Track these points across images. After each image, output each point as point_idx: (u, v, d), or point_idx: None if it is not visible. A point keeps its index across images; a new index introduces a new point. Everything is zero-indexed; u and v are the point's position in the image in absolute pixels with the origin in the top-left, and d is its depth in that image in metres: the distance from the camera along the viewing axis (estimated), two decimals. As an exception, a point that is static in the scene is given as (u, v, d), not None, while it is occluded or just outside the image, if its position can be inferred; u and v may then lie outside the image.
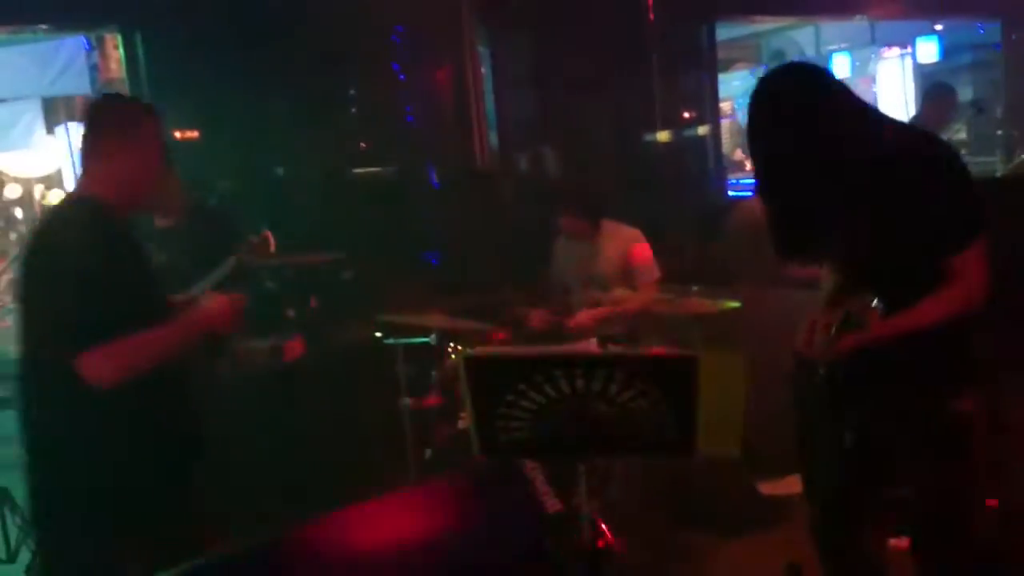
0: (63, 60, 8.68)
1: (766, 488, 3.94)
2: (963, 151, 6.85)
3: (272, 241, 3.68)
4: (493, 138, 6.65)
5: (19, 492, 4.43)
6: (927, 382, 2.40)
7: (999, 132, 8.31)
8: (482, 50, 6.57)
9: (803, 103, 2.32)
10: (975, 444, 2.43)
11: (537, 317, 4.53)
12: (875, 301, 2.15)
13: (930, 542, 2.55)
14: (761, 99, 2.37)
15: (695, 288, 4.36)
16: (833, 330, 2.28)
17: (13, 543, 4.21)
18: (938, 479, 2.45)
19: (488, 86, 6.62)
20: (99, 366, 2.30)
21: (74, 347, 2.30)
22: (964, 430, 2.40)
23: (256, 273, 3.77)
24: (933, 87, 6.71)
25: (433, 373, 4.40)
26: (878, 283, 2.33)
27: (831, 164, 2.32)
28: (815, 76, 2.39)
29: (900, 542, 3.43)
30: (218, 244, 3.85)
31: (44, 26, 5.99)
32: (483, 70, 6.59)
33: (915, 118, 6.78)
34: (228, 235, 3.92)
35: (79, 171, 2.62)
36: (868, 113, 2.44)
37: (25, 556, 4.15)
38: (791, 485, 2.78)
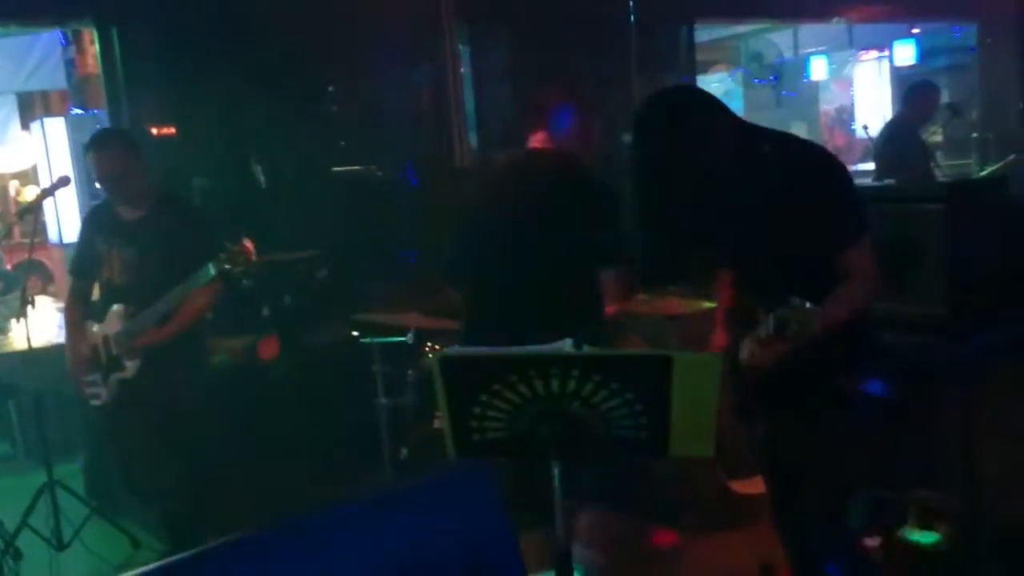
0: (39, 55, 8.60)
1: (738, 487, 3.95)
2: (938, 153, 6.91)
3: (252, 249, 3.60)
4: (473, 137, 6.64)
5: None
6: (826, 371, 2.45)
7: (974, 135, 8.38)
8: (462, 48, 6.56)
9: (687, 120, 2.41)
10: (850, 418, 2.48)
11: None
12: (809, 304, 2.14)
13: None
14: (644, 119, 2.49)
15: (671, 288, 4.37)
16: (763, 336, 2.27)
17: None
18: (813, 445, 2.50)
19: (468, 85, 6.61)
20: None
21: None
22: (841, 402, 2.46)
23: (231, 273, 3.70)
24: (918, 85, 6.74)
25: (409, 372, 4.39)
26: (771, 289, 2.35)
27: (713, 176, 2.41)
28: (697, 96, 2.52)
29: (872, 541, 3.47)
30: (189, 236, 3.81)
31: (19, 21, 5.93)
32: (463, 69, 6.58)
33: (898, 116, 6.82)
34: (199, 227, 3.88)
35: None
36: (749, 128, 2.52)
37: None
38: (763, 484, 2.80)
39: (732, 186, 2.44)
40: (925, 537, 3.35)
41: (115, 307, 3.86)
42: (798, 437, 2.56)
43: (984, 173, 6.57)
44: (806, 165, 2.44)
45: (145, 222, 3.89)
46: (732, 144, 2.43)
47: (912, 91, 6.66)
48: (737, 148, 2.43)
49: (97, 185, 4.10)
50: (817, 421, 2.50)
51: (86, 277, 4.06)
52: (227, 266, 3.57)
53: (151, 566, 1.62)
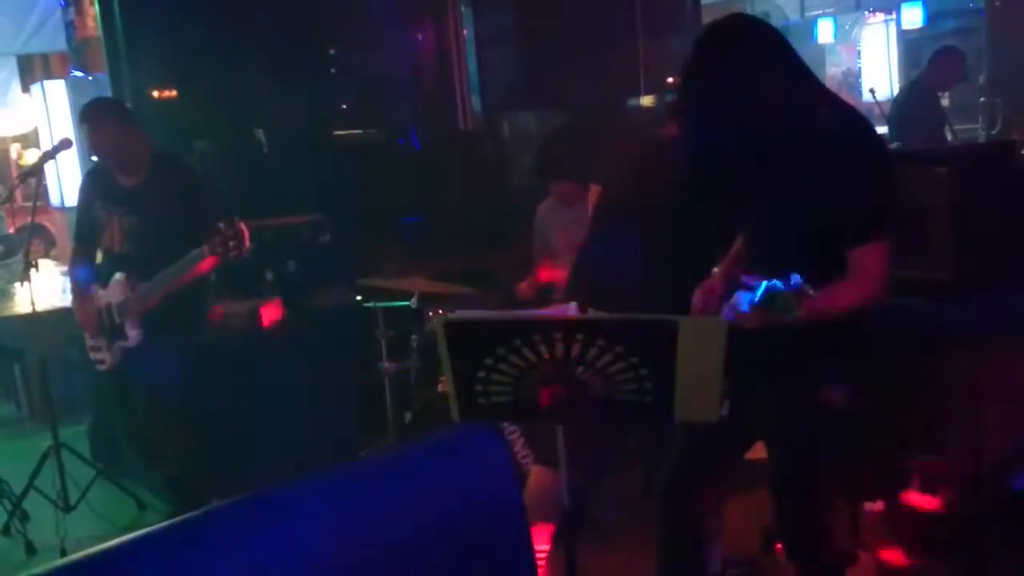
0: (38, 17, 8.55)
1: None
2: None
3: (246, 233, 3.54)
4: (476, 100, 6.60)
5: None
6: (804, 369, 2.34)
7: (981, 99, 8.32)
8: (464, 10, 6.50)
9: (738, 54, 2.24)
10: (841, 430, 2.40)
11: (523, 290, 4.50)
12: (808, 286, 2.02)
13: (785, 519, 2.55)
14: (700, 43, 2.29)
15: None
16: (753, 300, 2.14)
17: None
18: (798, 455, 2.43)
19: (470, 47, 6.55)
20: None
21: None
22: (830, 416, 2.36)
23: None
24: (944, 49, 6.72)
25: (413, 337, 4.39)
26: (776, 254, 2.27)
27: (751, 120, 2.25)
28: (761, 31, 2.31)
29: (875, 505, 3.48)
30: (187, 201, 3.78)
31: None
32: (465, 31, 6.53)
33: (919, 77, 6.78)
34: (197, 190, 3.85)
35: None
36: (813, 85, 2.35)
37: None
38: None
39: (774, 142, 2.29)
40: (928, 502, 3.37)
41: (117, 275, 3.86)
42: (768, 432, 2.52)
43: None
44: (852, 145, 2.27)
45: (143, 189, 3.87)
46: (789, 99, 2.26)
47: (937, 55, 6.61)
48: (793, 104, 2.26)
49: (93, 158, 4.07)
50: (782, 427, 2.44)
51: (89, 242, 4.06)
52: (219, 249, 3.53)
53: (157, 526, 1.62)
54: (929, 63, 6.67)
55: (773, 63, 2.27)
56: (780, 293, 2.05)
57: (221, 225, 3.52)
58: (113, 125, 3.83)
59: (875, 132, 2.41)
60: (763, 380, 2.38)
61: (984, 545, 3.18)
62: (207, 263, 3.71)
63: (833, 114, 2.32)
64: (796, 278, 2.03)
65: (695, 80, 2.30)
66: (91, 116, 3.86)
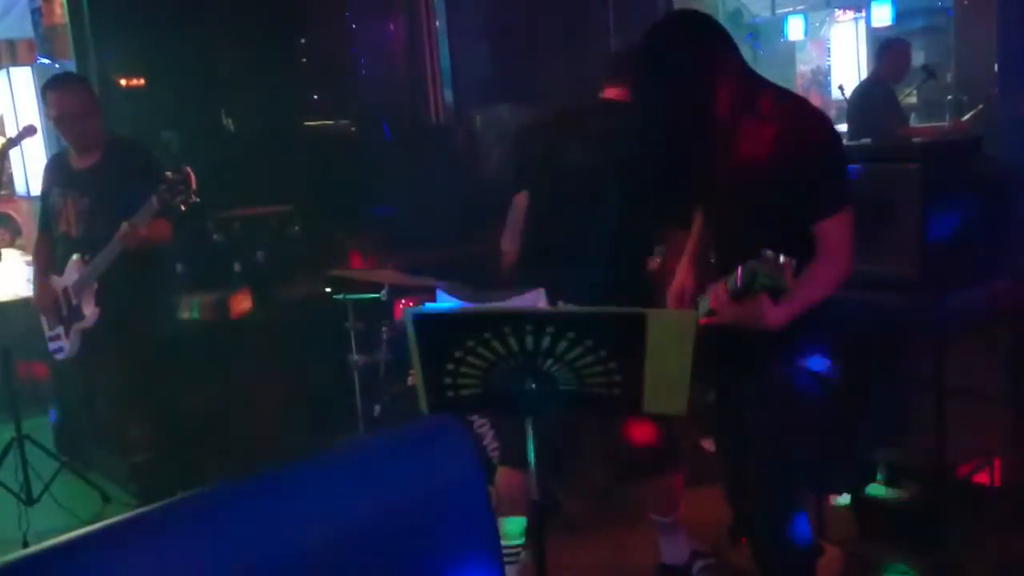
0: (4, 3, 8.41)
1: (710, 444, 3.97)
2: (912, 115, 6.92)
3: (193, 177, 3.56)
4: (448, 93, 6.57)
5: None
6: (782, 348, 2.41)
7: (949, 97, 8.40)
8: (437, 2, 6.48)
9: (684, 55, 2.36)
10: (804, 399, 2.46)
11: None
12: (782, 256, 2.05)
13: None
14: (648, 44, 2.42)
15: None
16: (731, 288, 2.20)
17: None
18: (776, 424, 2.49)
19: (443, 39, 6.53)
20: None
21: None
22: (796, 384, 2.44)
23: (201, 223, 3.65)
24: (888, 42, 6.83)
25: (383, 330, 4.37)
26: (744, 245, 2.29)
27: (705, 117, 2.38)
28: (707, 32, 2.43)
29: (842, 499, 3.51)
30: (139, 181, 3.76)
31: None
32: (437, 22, 6.50)
33: (871, 74, 6.85)
34: (149, 171, 3.83)
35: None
36: (754, 77, 2.48)
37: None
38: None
39: (723, 131, 2.40)
40: (893, 494, 3.40)
41: (73, 257, 3.85)
42: (750, 414, 2.54)
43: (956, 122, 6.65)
44: (800, 126, 2.38)
45: (96, 171, 3.88)
46: (732, 89, 2.38)
47: (882, 48, 6.71)
48: (736, 94, 2.38)
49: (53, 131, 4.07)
50: (768, 405, 2.48)
51: (49, 230, 4.05)
52: (168, 196, 3.54)
53: (121, 517, 1.60)
54: (878, 58, 6.75)
55: (718, 57, 2.39)
56: (761, 270, 2.05)
57: (168, 173, 3.54)
58: (75, 92, 3.87)
59: (822, 113, 2.52)
60: (747, 367, 2.45)
61: (948, 537, 3.22)
62: (161, 228, 3.70)
63: (778, 100, 2.43)
64: (768, 252, 2.03)
65: (645, 70, 2.43)
66: (55, 81, 3.92)
